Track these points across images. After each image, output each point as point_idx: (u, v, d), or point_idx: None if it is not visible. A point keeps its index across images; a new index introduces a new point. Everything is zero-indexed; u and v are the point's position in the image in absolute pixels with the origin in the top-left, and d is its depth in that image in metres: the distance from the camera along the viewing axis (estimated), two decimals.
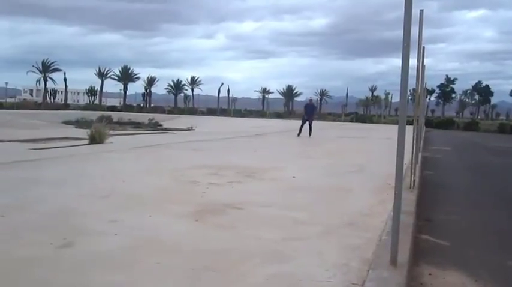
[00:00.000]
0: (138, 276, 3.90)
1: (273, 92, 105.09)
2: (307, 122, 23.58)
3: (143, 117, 43.98)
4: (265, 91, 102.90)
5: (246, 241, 5.00)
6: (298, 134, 23.17)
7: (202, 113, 73.31)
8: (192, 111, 72.26)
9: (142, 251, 4.55)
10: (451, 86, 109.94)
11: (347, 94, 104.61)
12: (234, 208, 6.42)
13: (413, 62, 8.02)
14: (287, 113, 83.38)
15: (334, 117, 73.95)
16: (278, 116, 72.54)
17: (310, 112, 24.63)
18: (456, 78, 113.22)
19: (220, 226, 5.56)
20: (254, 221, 5.87)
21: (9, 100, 77.70)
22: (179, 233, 5.22)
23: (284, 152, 15.82)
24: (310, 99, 26.66)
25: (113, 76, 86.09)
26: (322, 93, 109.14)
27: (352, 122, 63.31)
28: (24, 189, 7.31)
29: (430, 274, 4.80)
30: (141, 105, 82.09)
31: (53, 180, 8.26)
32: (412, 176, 8.67)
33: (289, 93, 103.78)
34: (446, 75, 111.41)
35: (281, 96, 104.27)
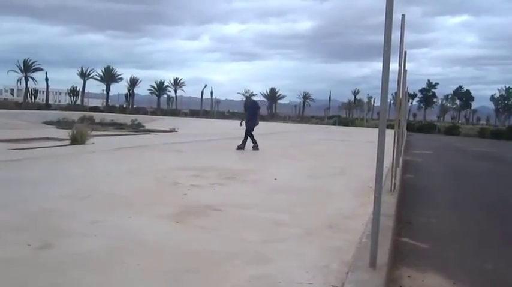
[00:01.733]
0: (117, 277, 3.88)
1: (256, 95, 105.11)
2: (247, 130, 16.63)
3: (126, 118, 43.72)
4: (248, 93, 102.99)
5: (227, 242, 5.00)
6: (241, 146, 16.39)
7: (185, 115, 73.12)
8: (175, 113, 72.06)
9: (123, 252, 4.53)
10: (433, 90, 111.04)
11: (330, 97, 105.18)
12: (216, 210, 6.42)
13: (395, 66, 8.10)
14: (270, 116, 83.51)
15: (317, 120, 74.26)
16: (261, 118, 72.64)
17: (252, 114, 17.04)
18: (438, 83, 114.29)
19: (202, 227, 5.56)
20: (235, 223, 5.88)
21: None
22: (160, 234, 5.20)
23: (266, 154, 15.85)
24: (248, 97, 20.12)
25: (95, 76, 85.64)
26: (305, 97, 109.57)
27: (334, 125, 63.62)
28: (4, 189, 7.24)
29: (409, 277, 4.84)
30: (124, 106, 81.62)
31: (33, 180, 8.19)
32: (393, 179, 8.74)
33: (272, 95, 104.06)
34: (428, 80, 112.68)
35: (264, 99, 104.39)
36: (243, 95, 20.65)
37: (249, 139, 16.44)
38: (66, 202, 6.54)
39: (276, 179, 9.45)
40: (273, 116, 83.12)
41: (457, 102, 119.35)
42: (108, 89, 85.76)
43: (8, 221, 5.36)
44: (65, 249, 4.52)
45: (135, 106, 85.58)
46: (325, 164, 13.18)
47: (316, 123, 64.59)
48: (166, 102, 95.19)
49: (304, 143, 23.05)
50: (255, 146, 16.39)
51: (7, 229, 5.07)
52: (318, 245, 5.04)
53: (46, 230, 5.06)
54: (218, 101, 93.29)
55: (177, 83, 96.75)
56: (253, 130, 16.53)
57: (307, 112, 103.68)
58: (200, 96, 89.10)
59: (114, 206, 6.46)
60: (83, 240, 4.82)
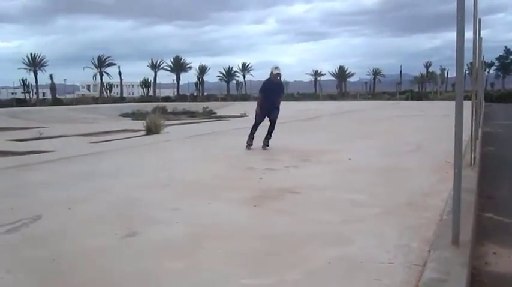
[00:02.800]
0: (200, 262, 3.99)
1: (325, 74, 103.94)
2: (267, 118, 11.74)
3: (197, 106, 44.54)
4: (317, 73, 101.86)
5: (305, 224, 5.03)
6: (249, 144, 11.48)
7: (255, 99, 73.46)
8: (245, 98, 72.40)
9: (204, 238, 4.65)
10: (511, 57, 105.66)
11: (401, 72, 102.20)
12: (292, 192, 6.46)
13: (469, 35, 7.79)
14: (340, 95, 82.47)
15: (389, 96, 72.55)
16: (331, 98, 71.86)
17: (275, 97, 11.68)
18: None
19: (279, 210, 5.61)
20: (312, 204, 5.89)
21: (68, 96, 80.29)
22: (238, 219, 5.30)
23: (339, 133, 15.70)
24: (276, 75, 11.59)
25: (165, 67, 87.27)
26: (375, 73, 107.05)
27: (407, 100, 61.92)
28: (88, 181, 7.58)
29: (494, 253, 4.70)
30: (195, 94, 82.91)
31: (114, 171, 8.53)
32: (472, 153, 8.46)
33: (341, 74, 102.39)
34: (505, 47, 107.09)
35: (333, 78, 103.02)
36: (274, 75, 10.95)
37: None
38: (148, 191, 6.77)
39: (350, 158, 9.36)
40: (343, 95, 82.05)
41: None
42: (178, 79, 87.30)
43: (95, 212, 5.63)
44: (149, 236, 4.70)
45: (205, 94, 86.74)
46: (400, 141, 12.89)
47: (388, 100, 63.15)
48: (236, 88, 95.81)
49: (377, 120, 22.63)
50: (266, 143, 11.43)
51: (95, 219, 5.32)
52: (397, 224, 4.97)
53: (131, 219, 5.27)
54: (287, 83, 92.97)
55: (245, 68, 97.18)
56: (275, 118, 11.68)
57: (378, 88, 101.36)
58: None
59: (193, 193, 6.63)
60: (166, 227, 4.98)
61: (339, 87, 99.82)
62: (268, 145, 11.35)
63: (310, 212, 5.51)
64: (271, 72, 11.38)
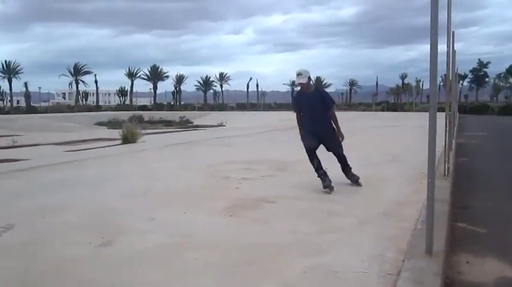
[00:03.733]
0: (176, 273, 3.97)
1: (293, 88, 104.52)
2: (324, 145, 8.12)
3: (174, 115, 44.41)
4: (294, 84, 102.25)
5: (281, 234, 5.04)
6: (325, 185, 7.44)
7: (232, 109, 73.45)
8: (222, 107, 72.52)
9: (180, 247, 4.63)
10: (484, 70, 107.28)
11: (377, 83, 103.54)
12: (268, 202, 6.47)
13: (443, 47, 7.93)
14: None
15: (364, 107, 73.16)
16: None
17: (313, 110, 7.89)
18: (489, 62, 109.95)
19: (255, 220, 5.62)
20: (288, 214, 5.90)
21: (43, 104, 79.37)
22: (215, 229, 5.29)
23: None
24: (299, 84, 7.99)
25: (142, 76, 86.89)
26: (352, 83, 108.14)
27: (383, 111, 62.58)
28: (63, 190, 7.50)
29: (467, 262, 4.77)
30: (172, 103, 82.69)
31: (89, 180, 8.44)
32: (446, 163, 8.58)
33: (318, 84, 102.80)
34: (479, 59, 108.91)
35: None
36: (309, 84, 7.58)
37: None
38: (123, 200, 6.72)
39: (327, 168, 9.39)
40: None
41: (511, 80, 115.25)
42: (155, 88, 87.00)
43: (70, 221, 5.56)
44: (124, 246, 4.66)
45: (182, 103, 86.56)
46: (376, 151, 13.02)
47: (364, 110, 63.71)
48: (213, 97, 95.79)
49: (353, 130, 22.77)
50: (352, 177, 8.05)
51: (70, 228, 5.26)
52: (372, 233, 5.02)
53: (106, 228, 5.22)
54: (264, 93, 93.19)
55: (222, 78, 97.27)
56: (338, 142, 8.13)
57: (354, 99, 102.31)
58: (246, 90, 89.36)
59: (169, 202, 6.61)
60: (142, 237, 4.95)
61: None
62: (356, 179, 7.93)
63: (286, 222, 5.52)
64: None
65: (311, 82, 7.99)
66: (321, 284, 3.69)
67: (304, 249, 4.52)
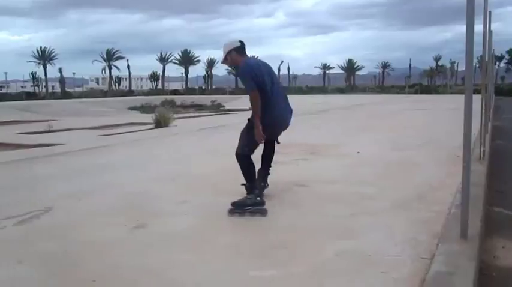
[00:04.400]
0: (208, 255, 4.01)
1: (333, 68, 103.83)
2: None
3: (205, 100, 44.58)
4: (325, 67, 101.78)
5: (313, 217, 5.04)
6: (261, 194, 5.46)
7: None
8: None
9: (211, 230, 4.68)
10: None
11: (410, 65, 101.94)
12: (300, 185, 6.47)
13: (479, 27, 7.75)
14: (349, 88, 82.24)
15: (397, 89, 72.23)
16: (339, 91, 71.66)
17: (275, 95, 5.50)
18: None
19: (287, 203, 5.62)
20: (321, 198, 5.89)
21: (77, 89, 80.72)
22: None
23: (348, 127, 15.67)
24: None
25: (174, 60, 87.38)
26: (384, 66, 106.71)
27: (416, 93, 61.63)
28: (97, 174, 7.63)
29: (503, 247, 4.70)
30: (203, 87, 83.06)
31: (123, 164, 8.57)
32: (482, 147, 8.42)
33: (350, 67, 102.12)
34: None
35: (342, 71, 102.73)
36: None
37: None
38: (156, 184, 6.80)
39: (359, 152, 9.35)
40: (351, 88, 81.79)
41: None
42: (186, 72, 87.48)
43: (105, 204, 5.67)
44: (158, 228, 4.73)
45: (213, 87, 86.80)
46: (410, 135, 12.85)
47: (397, 93, 62.89)
48: None
49: (386, 114, 22.57)
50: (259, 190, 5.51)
51: (105, 211, 5.36)
52: (406, 217, 4.98)
53: (140, 211, 5.31)
54: (295, 77, 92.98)
55: None
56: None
57: (386, 82, 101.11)
58: (277, 73, 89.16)
59: (201, 185, 6.66)
60: (175, 219, 5.01)
61: (348, 80, 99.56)
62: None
63: (318, 205, 5.51)
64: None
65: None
66: (353, 267, 3.68)
67: (336, 232, 4.51)
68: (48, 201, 5.70)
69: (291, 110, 5.84)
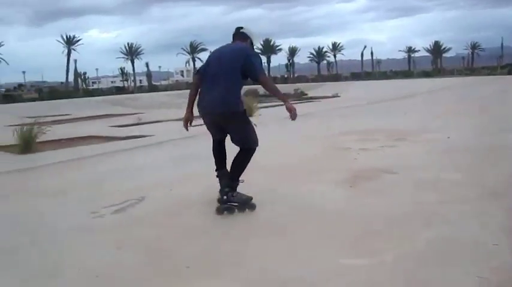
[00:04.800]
0: (297, 242, 4.05)
1: (419, 50, 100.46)
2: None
3: (288, 88, 44.45)
4: (410, 50, 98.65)
5: (405, 205, 4.93)
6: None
7: (346, 79, 72.20)
8: (336, 78, 71.54)
9: (301, 218, 4.70)
10: None
11: (502, 45, 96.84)
12: (389, 173, 6.34)
13: None
14: (436, 71, 79.40)
15: (488, 70, 68.82)
16: (426, 75, 69.20)
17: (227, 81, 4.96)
18: None
19: (377, 191, 5.54)
20: (410, 184, 5.76)
21: (163, 82, 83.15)
22: (335, 200, 5.30)
23: (436, 111, 15.13)
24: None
25: (256, 50, 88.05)
26: (474, 46, 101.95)
27: (510, 74, 58.46)
28: (187, 164, 7.85)
29: None
30: (285, 76, 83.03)
31: (210, 154, 8.73)
32: None
33: (436, 49, 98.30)
34: None
35: (428, 54, 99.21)
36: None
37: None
38: (244, 173, 6.89)
39: (449, 137, 9.02)
40: (438, 71, 78.89)
41: None
42: (268, 61, 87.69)
43: (194, 193, 5.85)
44: (246, 217, 4.82)
45: (296, 75, 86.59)
46: (504, 119, 12.23)
47: (488, 75, 59.98)
48: (327, 68, 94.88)
49: (477, 97, 21.60)
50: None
51: (195, 200, 5.54)
52: (500, 205, 4.77)
53: None
54: (379, 61, 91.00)
55: (335, 48, 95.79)
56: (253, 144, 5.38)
57: (476, 63, 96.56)
58: (360, 58, 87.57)
59: (288, 174, 6.69)
60: (263, 207, 5.06)
61: (434, 63, 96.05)
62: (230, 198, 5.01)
63: (408, 193, 5.39)
64: None
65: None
66: (447, 256, 3.58)
67: (429, 220, 4.40)
68: (142, 190, 5.94)
69: (229, 98, 4.95)
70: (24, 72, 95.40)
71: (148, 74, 73.44)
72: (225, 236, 4.31)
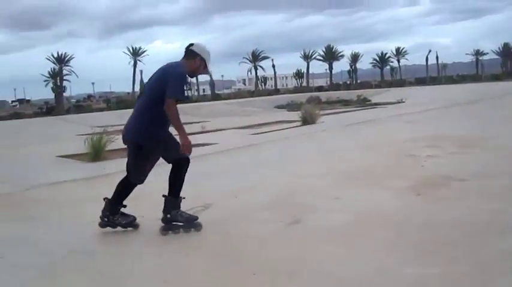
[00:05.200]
0: (362, 251, 4.00)
1: (487, 53, 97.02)
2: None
3: (351, 94, 44.09)
4: (478, 53, 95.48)
5: (476, 212, 4.78)
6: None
7: (411, 84, 70.69)
8: (400, 83, 70.18)
9: (367, 226, 4.64)
10: None
11: None
12: (458, 180, 6.15)
13: None
14: (505, 74, 76.48)
15: None
16: (495, 78, 66.79)
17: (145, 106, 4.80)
18: None
19: (446, 198, 5.39)
20: (481, 192, 5.56)
21: (226, 91, 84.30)
22: (401, 207, 5.20)
23: (504, 117, 14.56)
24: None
25: (317, 57, 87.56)
26: None
27: None
28: (251, 171, 7.89)
29: None
30: (348, 82, 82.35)
31: (274, 162, 8.78)
32: None
33: (506, 52, 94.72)
34: None
35: (497, 57, 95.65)
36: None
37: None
38: (308, 180, 6.88)
39: None
40: (509, 74, 75.95)
41: None
42: (330, 68, 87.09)
43: (259, 200, 5.86)
44: (312, 224, 4.81)
45: (358, 81, 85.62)
46: None
47: None
48: (390, 74, 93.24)
49: None
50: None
51: (260, 207, 5.55)
52: None
53: (293, 207, 5.42)
54: (445, 65, 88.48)
55: (399, 53, 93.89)
56: (138, 179, 4.90)
57: None
58: (425, 63, 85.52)
59: (353, 181, 6.62)
60: (328, 215, 5.04)
61: (504, 66, 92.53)
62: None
63: (479, 200, 5.21)
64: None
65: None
66: None
67: (504, 228, 4.24)
68: (207, 197, 6.01)
69: (133, 126, 4.83)
70: (93, 83, 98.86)
71: (211, 83, 74.48)
72: (291, 244, 4.30)
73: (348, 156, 8.84)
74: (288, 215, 5.06)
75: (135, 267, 3.98)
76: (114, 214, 4.85)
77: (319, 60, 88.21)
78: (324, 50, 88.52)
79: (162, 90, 4.50)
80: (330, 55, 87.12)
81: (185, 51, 4.84)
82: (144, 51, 73.47)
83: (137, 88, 69.29)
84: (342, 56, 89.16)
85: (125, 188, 4.87)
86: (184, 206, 5.51)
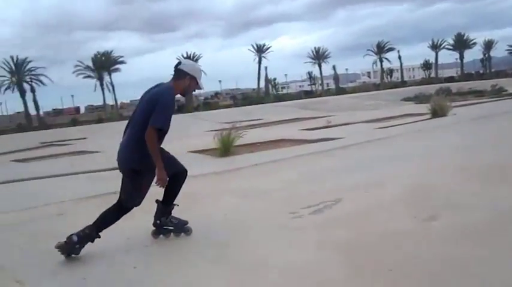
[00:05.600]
0: (507, 251, 3.74)
1: None
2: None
3: (484, 85, 41.55)
4: None
5: None
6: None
7: None
8: None
9: (507, 225, 4.35)
10: None
11: None
12: None
13: None
14: None
15: None
16: None
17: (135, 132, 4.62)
18: None
19: None
20: None
21: (350, 84, 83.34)
22: None
23: None
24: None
25: (447, 46, 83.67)
26: None
27: None
28: (381, 165, 7.72)
29: None
30: (481, 71, 77.81)
31: (404, 155, 8.51)
32: None
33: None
34: None
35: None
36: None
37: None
38: (442, 175, 6.60)
39: None
40: None
41: None
42: (461, 57, 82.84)
43: (391, 195, 5.74)
44: (450, 221, 4.58)
45: (492, 70, 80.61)
46: None
47: None
48: None
49: None
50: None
51: (392, 202, 5.43)
52: None
53: (428, 203, 5.24)
54: None
55: None
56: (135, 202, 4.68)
57: None
58: None
59: (494, 176, 6.21)
60: (466, 212, 4.79)
61: None
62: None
63: None
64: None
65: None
66: None
67: None
68: (337, 192, 5.98)
69: (126, 153, 4.62)
70: (220, 81, 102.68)
71: (336, 77, 74.04)
72: (425, 241, 4.14)
73: (483, 149, 8.33)
74: (422, 211, 4.88)
75: (269, 258, 4.06)
76: (95, 237, 4.53)
77: (449, 49, 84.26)
78: (454, 38, 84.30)
79: (152, 113, 4.43)
80: (461, 43, 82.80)
81: (174, 71, 4.71)
82: (269, 48, 74.52)
83: (262, 84, 70.71)
84: (474, 43, 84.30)
85: (114, 217, 4.64)
86: (313, 200, 5.54)
